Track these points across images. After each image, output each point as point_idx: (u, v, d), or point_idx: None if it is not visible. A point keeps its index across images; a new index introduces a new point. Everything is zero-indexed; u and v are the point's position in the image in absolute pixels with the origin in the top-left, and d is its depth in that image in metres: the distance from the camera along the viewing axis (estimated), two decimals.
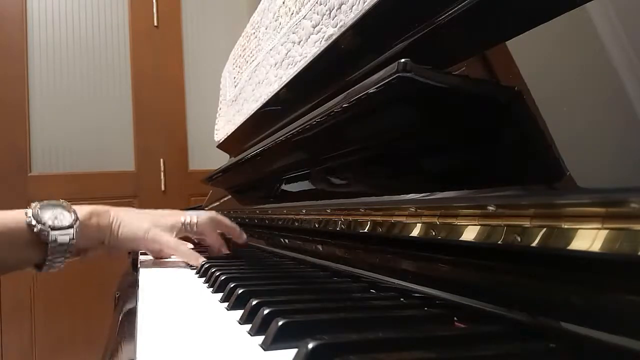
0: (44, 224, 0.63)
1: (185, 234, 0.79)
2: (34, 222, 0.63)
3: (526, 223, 0.27)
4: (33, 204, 0.65)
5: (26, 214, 0.64)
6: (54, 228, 0.64)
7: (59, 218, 0.65)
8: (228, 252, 0.81)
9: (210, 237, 0.81)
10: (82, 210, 0.69)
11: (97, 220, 0.71)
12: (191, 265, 0.70)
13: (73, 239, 0.65)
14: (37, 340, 1.90)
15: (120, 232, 0.73)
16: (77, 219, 0.66)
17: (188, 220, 0.78)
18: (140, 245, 0.76)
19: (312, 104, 0.65)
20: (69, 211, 0.67)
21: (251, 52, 1.07)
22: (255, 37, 1.03)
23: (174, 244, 0.74)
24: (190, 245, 0.83)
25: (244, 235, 0.83)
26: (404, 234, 0.40)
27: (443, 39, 0.39)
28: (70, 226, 0.65)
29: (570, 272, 0.25)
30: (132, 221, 0.74)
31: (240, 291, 0.42)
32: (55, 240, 0.64)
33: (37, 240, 0.63)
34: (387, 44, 0.46)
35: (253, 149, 0.73)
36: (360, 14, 0.49)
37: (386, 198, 0.43)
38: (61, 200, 0.68)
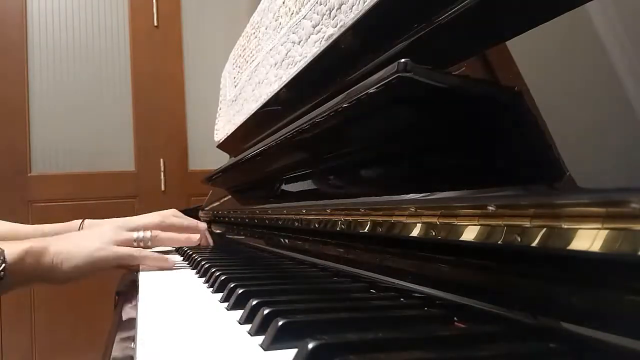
0: None
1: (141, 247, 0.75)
2: None
3: (526, 223, 0.27)
4: None
5: None
6: None
7: None
8: (203, 241, 0.80)
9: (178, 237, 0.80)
10: (15, 249, 0.62)
11: (33, 261, 0.64)
12: (191, 265, 0.70)
13: None
14: (37, 341, 1.90)
15: (66, 266, 0.66)
16: (3, 261, 0.60)
17: (141, 236, 0.74)
18: (100, 264, 0.68)
19: (312, 104, 0.65)
20: None
21: (251, 52, 1.07)
22: (255, 37, 1.03)
23: (136, 252, 0.69)
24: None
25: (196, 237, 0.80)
26: (404, 234, 0.39)
27: (443, 39, 0.39)
28: None
29: (570, 272, 0.25)
30: (78, 248, 0.67)
31: (240, 291, 0.42)
32: None
33: None
34: (387, 44, 0.46)
35: (253, 149, 0.73)
36: (360, 14, 0.49)
37: (386, 198, 0.43)
38: None
